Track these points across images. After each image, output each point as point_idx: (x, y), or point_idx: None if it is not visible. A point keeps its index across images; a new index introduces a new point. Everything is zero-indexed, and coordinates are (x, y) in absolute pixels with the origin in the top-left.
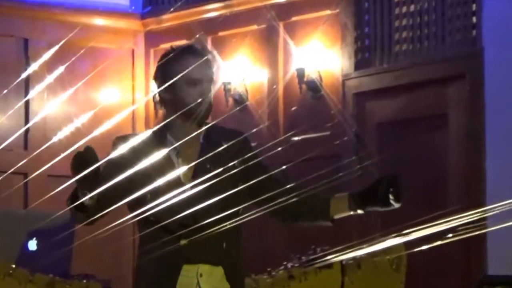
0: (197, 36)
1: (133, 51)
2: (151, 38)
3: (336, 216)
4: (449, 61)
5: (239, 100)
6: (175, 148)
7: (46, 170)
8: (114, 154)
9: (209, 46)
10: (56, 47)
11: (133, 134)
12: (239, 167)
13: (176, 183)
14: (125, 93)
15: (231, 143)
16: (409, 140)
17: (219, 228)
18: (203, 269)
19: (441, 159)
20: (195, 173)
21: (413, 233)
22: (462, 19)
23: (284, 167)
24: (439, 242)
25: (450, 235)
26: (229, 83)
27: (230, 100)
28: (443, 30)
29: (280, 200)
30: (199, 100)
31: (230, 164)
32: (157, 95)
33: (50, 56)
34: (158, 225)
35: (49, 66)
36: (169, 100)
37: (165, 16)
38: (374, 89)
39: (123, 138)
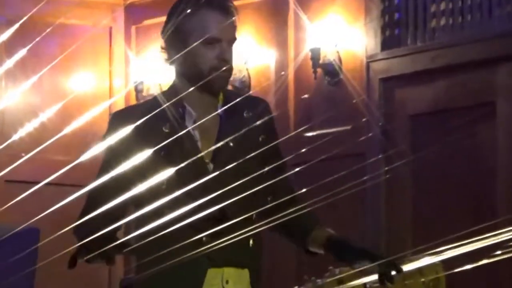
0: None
1: (110, 29)
2: (133, 13)
3: (311, 249)
4: (497, 38)
5: (240, 87)
6: (193, 120)
7: (4, 174)
8: (115, 143)
9: None
10: (17, 25)
11: (134, 106)
12: (264, 141)
13: (199, 164)
14: (101, 80)
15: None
16: (448, 135)
17: (248, 219)
18: (229, 274)
19: (487, 157)
20: (216, 151)
21: (453, 250)
22: None
23: (297, 169)
24: (485, 261)
25: (499, 251)
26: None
27: (229, 87)
28: (489, 1)
29: (285, 211)
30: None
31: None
32: (164, 56)
33: (9, 36)
34: (179, 220)
35: (8, 48)
36: (180, 62)
37: None
38: (405, 73)
39: (124, 116)
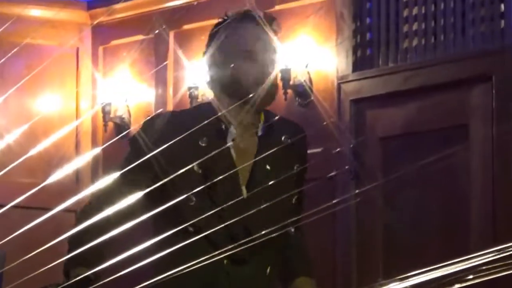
0: (157, 31)
1: (77, 50)
2: (100, 33)
3: None
4: (470, 59)
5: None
6: (231, 138)
7: None
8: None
9: (171, 42)
10: None
11: (175, 113)
12: (298, 171)
13: (232, 185)
14: (68, 101)
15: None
16: (420, 158)
17: (270, 245)
18: None
19: (460, 181)
20: (252, 175)
21: (424, 275)
22: (488, 7)
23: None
24: (457, 286)
25: (471, 276)
26: (196, 88)
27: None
28: (463, 21)
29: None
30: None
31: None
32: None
33: None
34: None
35: None
36: (221, 79)
37: (117, 6)
38: (377, 94)
39: (160, 123)
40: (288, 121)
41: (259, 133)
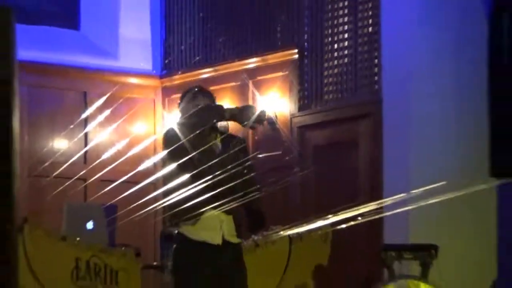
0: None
1: (154, 100)
2: (166, 91)
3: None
4: (359, 105)
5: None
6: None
7: (100, 176)
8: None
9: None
10: (104, 98)
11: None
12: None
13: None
14: (149, 127)
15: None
16: (333, 158)
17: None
18: (223, 217)
19: (354, 170)
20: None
21: (335, 217)
22: (368, 77)
23: (253, 174)
24: (352, 223)
25: (360, 218)
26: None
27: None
28: (355, 84)
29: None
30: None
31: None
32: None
33: (100, 103)
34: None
35: (100, 110)
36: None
37: (175, 76)
38: (311, 123)
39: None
40: (233, 135)
41: (218, 145)
